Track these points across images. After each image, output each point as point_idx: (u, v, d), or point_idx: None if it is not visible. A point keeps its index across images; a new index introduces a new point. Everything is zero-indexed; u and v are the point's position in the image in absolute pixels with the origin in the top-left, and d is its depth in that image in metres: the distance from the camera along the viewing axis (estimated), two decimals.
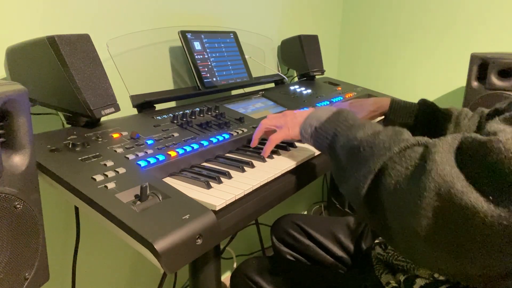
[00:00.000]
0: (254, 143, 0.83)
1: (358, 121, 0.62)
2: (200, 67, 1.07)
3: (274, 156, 0.80)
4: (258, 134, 0.83)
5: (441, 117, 0.92)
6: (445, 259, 0.44)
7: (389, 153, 0.49)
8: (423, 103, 0.95)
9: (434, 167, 0.42)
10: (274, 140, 0.78)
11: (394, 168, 0.48)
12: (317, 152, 0.84)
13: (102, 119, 0.79)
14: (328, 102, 1.28)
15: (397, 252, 0.72)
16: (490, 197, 0.38)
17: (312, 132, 0.69)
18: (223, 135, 0.85)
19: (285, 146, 0.84)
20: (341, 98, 1.36)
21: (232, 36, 1.24)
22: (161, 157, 0.69)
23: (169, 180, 0.68)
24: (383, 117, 1.03)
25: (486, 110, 0.89)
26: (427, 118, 0.93)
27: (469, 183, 0.40)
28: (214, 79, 1.10)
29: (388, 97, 1.03)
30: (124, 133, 0.77)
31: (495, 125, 0.45)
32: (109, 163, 0.63)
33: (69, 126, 0.79)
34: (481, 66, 1.40)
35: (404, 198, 0.45)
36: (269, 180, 0.70)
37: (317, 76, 1.60)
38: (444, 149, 0.44)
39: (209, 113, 0.97)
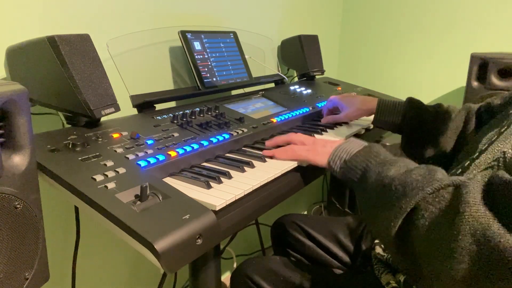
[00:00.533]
0: (271, 144, 0.83)
1: (390, 157, 0.60)
2: (200, 67, 1.07)
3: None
4: (280, 141, 0.82)
5: (428, 114, 0.92)
6: None
7: (422, 193, 0.47)
8: (410, 101, 0.95)
9: (467, 210, 0.41)
10: (296, 155, 0.76)
11: (427, 209, 0.46)
12: None
13: (102, 119, 0.79)
14: (326, 102, 1.28)
15: None
16: None
17: (342, 165, 0.66)
18: (223, 135, 0.85)
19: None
20: None
21: (232, 36, 1.24)
22: (161, 157, 0.69)
23: (169, 180, 0.68)
24: (372, 116, 1.03)
25: (474, 106, 0.89)
26: (414, 117, 0.93)
27: (503, 225, 0.39)
28: (214, 79, 1.10)
29: (376, 97, 1.03)
30: (124, 133, 0.77)
31: None
32: (109, 163, 0.63)
33: (69, 126, 0.79)
34: (481, 66, 1.40)
35: (438, 241, 0.44)
36: (269, 180, 0.70)
37: (317, 76, 1.60)
38: (475, 190, 0.43)
39: (209, 113, 0.97)
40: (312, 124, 1.10)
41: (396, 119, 0.96)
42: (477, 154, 0.58)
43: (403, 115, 0.95)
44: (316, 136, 0.96)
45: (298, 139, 0.80)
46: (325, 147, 0.74)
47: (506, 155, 0.48)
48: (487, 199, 0.42)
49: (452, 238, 0.42)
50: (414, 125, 0.93)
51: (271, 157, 0.79)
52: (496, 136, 0.58)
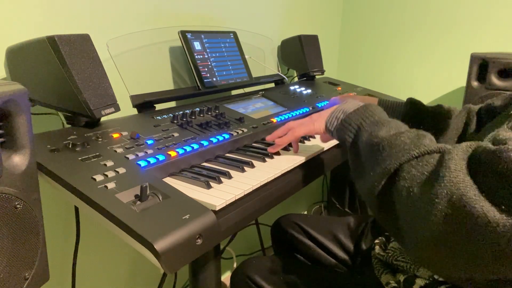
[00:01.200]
0: (271, 138, 0.82)
1: (383, 118, 0.61)
2: (200, 67, 1.07)
3: (274, 156, 0.80)
4: (279, 132, 0.82)
5: (428, 115, 0.92)
6: (454, 265, 0.44)
7: (407, 156, 0.48)
8: (410, 102, 0.95)
9: (447, 174, 0.42)
10: (296, 133, 0.77)
11: (410, 172, 0.47)
12: (316, 153, 0.84)
13: (102, 119, 0.79)
14: (328, 102, 1.28)
15: (397, 252, 0.72)
16: (503, 207, 0.38)
17: (338, 125, 0.67)
18: (223, 135, 0.85)
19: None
20: None
21: (232, 36, 1.24)
22: (161, 157, 0.69)
23: (169, 180, 0.68)
24: None
25: (474, 107, 0.89)
26: (414, 118, 0.93)
27: (481, 192, 0.40)
28: (214, 79, 1.10)
29: (376, 97, 1.03)
30: (124, 133, 0.77)
31: (504, 133, 0.45)
32: (109, 163, 0.63)
33: (69, 126, 0.79)
34: (481, 66, 1.40)
35: (416, 203, 0.45)
36: (269, 180, 0.70)
37: (317, 76, 1.60)
38: (458, 157, 0.43)
39: (209, 113, 0.97)
40: None
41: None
42: (471, 142, 0.58)
43: (403, 116, 0.95)
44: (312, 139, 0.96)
45: (295, 122, 0.80)
46: (321, 115, 0.75)
47: (497, 136, 0.48)
48: (469, 166, 0.43)
49: (430, 200, 0.43)
50: (414, 125, 0.93)
51: (275, 153, 0.80)
52: None
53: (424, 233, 0.44)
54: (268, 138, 0.84)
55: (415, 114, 0.93)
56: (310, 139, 0.94)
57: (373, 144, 0.56)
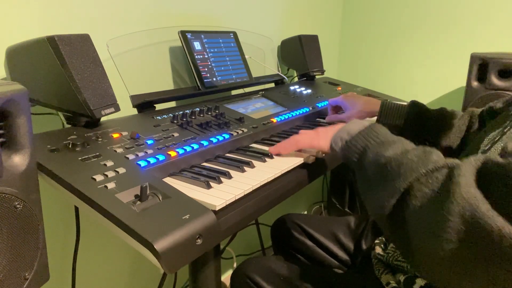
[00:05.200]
0: (275, 151, 0.81)
1: (389, 138, 0.61)
2: (200, 67, 1.07)
3: (274, 156, 0.80)
4: (285, 146, 0.81)
5: (431, 118, 0.92)
6: (467, 283, 0.43)
7: (416, 174, 0.48)
8: (413, 104, 0.95)
9: (458, 190, 0.41)
10: (300, 143, 0.77)
11: (420, 189, 0.47)
12: (315, 153, 0.84)
13: (102, 119, 0.79)
14: (328, 102, 1.28)
15: (397, 252, 0.72)
16: None
17: (343, 146, 0.67)
18: (223, 135, 0.85)
19: None
20: None
21: (232, 36, 1.24)
22: (161, 157, 0.69)
23: (169, 180, 0.68)
24: (374, 117, 1.03)
25: (477, 110, 0.89)
26: (417, 120, 0.93)
27: (492, 206, 0.39)
28: (214, 79, 1.10)
29: (380, 99, 1.03)
30: (124, 133, 0.77)
31: None
32: (109, 163, 0.63)
33: (69, 126, 0.79)
34: (481, 66, 1.40)
35: (428, 220, 0.44)
36: (269, 180, 0.70)
37: (317, 76, 1.60)
38: (467, 171, 0.43)
39: (209, 113, 0.97)
40: (312, 124, 1.10)
41: (398, 122, 0.96)
42: (479, 154, 0.58)
43: (406, 118, 0.95)
44: None
45: (300, 134, 0.81)
46: (327, 132, 0.75)
47: (506, 148, 0.48)
48: (479, 181, 0.42)
49: (442, 218, 0.42)
50: (417, 128, 0.93)
51: (277, 154, 0.80)
52: (499, 136, 0.58)
53: (437, 252, 0.43)
54: (273, 152, 0.83)
55: (418, 115, 0.94)
56: None
57: (380, 165, 0.55)
